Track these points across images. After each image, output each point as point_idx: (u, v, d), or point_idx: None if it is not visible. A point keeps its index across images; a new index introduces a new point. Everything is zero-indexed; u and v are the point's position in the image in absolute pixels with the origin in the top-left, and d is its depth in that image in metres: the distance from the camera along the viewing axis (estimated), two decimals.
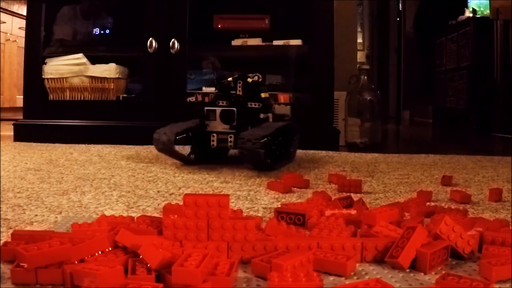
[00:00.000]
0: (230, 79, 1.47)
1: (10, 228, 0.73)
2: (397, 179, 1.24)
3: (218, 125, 1.41)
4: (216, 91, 1.49)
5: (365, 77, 2.22)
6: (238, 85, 1.46)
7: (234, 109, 1.40)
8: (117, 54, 2.16)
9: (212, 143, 1.42)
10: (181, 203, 0.83)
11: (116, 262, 0.51)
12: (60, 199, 0.94)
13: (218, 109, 1.41)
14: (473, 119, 3.72)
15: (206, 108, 1.42)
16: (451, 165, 1.53)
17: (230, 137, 1.40)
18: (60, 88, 2.14)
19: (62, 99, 2.15)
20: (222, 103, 1.47)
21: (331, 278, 0.53)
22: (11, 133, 2.14)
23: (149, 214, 0.83)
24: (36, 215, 0.82)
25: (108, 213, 0.82)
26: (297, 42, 2.10)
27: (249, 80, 1.47)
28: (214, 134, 1.41)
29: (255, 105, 1.45)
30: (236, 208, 0.85)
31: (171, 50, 2.04)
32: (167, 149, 1.38)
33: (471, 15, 3.96)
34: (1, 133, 2.38)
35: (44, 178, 1.17)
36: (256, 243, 0.58)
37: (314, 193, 0.94)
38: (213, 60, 2.23)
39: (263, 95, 1.46)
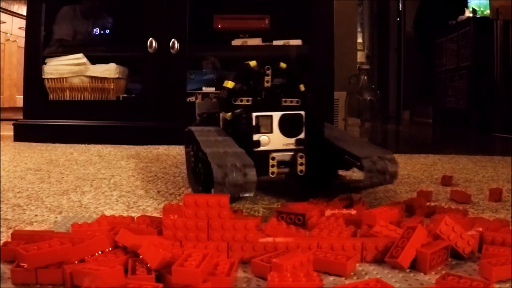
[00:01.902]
0: (252, 62, 1.00)
1: (10, 228, 0.73)
2: (397, 179, 1.24)
3: (276, 140, 0.90)
4: (232, 82, 0.97)
5: (365, 77, 2.22)
6: (267, 71, 0.98)
7: (302, 112, 0.91)
8: (117, 54, 2.16)
9: (271, 169, 0.89)
10: (181, 203, 0.83)
11: (116, 262, 0.51)
12: (60, 199, 0.94)
13: (277, 115, 0.90)
14: (473, 119, 3.72)
15: (255, 114, 0.89)
16: (451, 165, 1.53)
17: (301, 157, 0.89)
18: (60, 88, 2.14)
19: (62, 99, 2.15)
20: (246, 101, 0.96)
21: (331, 278, 0.53)
22: (11, 133, 2.14)
23: (149, 214, 0.83)
24: (36, 215, 0.82)
25: (108, 213, 0.82)
26: (297, 42, 2.10)
27: (283, 65, 1.00)
28: (274, 155, 0.88)
29: (291, 102, 0.97)
30: (237, 208, 0.85)
31: (171, 50, 2.04)
32: (245, 191, 0.79)
33: (471, 15, 3.96)
34: (1, 133, 2.38)
35: (44, 178, 1.17)
36: (257, 243, 0.58)
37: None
38: (213, 60, 2.23)
39: (302, 87, 1.01)
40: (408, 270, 0.55)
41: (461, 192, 0.97)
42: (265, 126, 0.90)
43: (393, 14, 6.05)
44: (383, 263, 0.57)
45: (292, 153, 0.90)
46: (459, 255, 0.59)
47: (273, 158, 0.88)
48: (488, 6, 3.88)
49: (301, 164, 0.89)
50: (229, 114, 0.95)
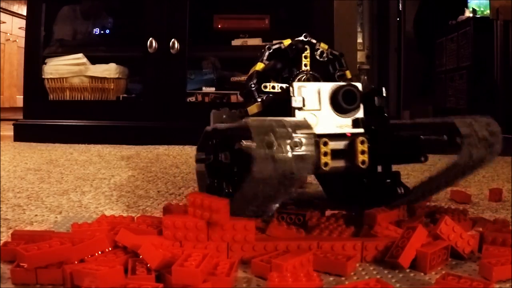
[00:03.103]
0: (286, 41, 0.80)
1: (10, 228, 0.73)
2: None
3: (326, 120, 0.66)
4: (262, 63, 0.78)
5: (365, 77, 2.22)
6: (305, 53, 0.79)
7: (358, 84, 0.68)
8: (117, 54, 2.16)
9: (323, 159, 0.61)
10: (181, 203, 0.83)
11: (116, 262, 0.51)
12: (60, 199, 0.94)
13: (326, 87, 0.67)
14: None
15: (297, 84, 0.66)
16: None
17: (362, 142, 0.63)
18: (60, 88, 2.14)
19: (62, 99, 2.15)
20: (280, 89, 0.77)
21: (331, 278, 0.53)
22: (11, 133, 2.14)
23: (149, 214, 0.83)
24: (36, 215, 0.82)
25: (108, 213, 0.82)
26: None
27: (324, 46, 0.81)
28: (325, 140, 0.61)
29: None
30: None
31: (171, 50, 2.04)
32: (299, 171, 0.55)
33: (471, 15, 3.96)
34: (1, 133, 2.38)
35: (44, 178, 1.17)
36: (256, 243, 0.58)
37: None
38: (213, 60, 2.23)
39: (348, 74, 0.81)
40: (408, 270, 0.55)
41: (461, 192, 0.97)
42: (311, 101, 0.65)
43: (393, 14, 6.04)
44: (383, 263, 0.57)
45: (347, 140, 0.65)
46: (459, 255, 0.59)
47: (325, 144, 0.60)
48: (488, 6, 3.88)
49: (363, 152, 0.63)
50: (258, 105, 0.74)
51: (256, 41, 2.16)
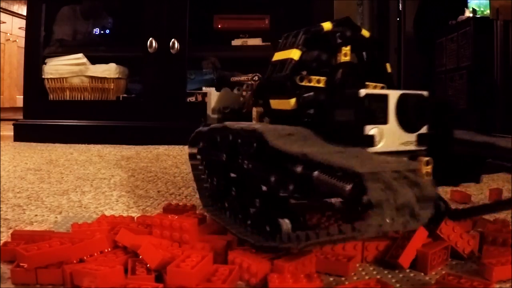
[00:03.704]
0: (326, 24, 0.64)
1: (10, 228, 0.73)
2: None
3: (391, 136, 0.55)
4: (299, 50, 0.63)
5: None
6: (339, 40, 0.65)
7: (425, 93, 0.58)
8: (117, 54, 2.16)
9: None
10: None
11: (116, 262, 0.51)
12: (60, 199, 0.94)
13: (394, 94, 0.55)
14: (473, 119, 3.72)
15: (365, 91, 0.53)
16: None
17: (428, 163, 0.56)
18: (60, 88, 2.14)
19: (62, 99, 2.14)
20: (317, 81, 0.64)
21: (331, 278, 0.53)
22: (11, 133, 2.14)
23: (149, 214, 0.83)
24: (36, 215, 0.82)
25: (108, 213, 0.82)
26: None
27: (365, 33, 0.67)
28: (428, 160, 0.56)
29: (375, 87, 0.67)
30: None
31: (171, 50, 2.04)
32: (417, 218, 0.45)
33: (471, 15, 3.96)
34: (1, 133, 2.38)
35: (44, 178, 1.17)
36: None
37: None
38: (213, 60, 2.23)
39: (388, 67, 0.69)
40: (408, 270, 0.55)
41: (461, 192, 0.97)
42: (378, 113, 0.54)
43: (393, 14, 6.05)
44: (383, 263, 0.57)
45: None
46: (459, 255, 0.59)
47: (427, 163, 0.55)
48: (488, 6, 3.88)
49: (427, 174, 0.55)
50: (293, 100, 0.61)
51: (256, 41, 2.16)
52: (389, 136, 0.55)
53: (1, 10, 4.23)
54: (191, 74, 2.18)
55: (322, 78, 0.63)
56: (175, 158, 1.58)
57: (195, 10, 2.10)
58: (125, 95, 2.17)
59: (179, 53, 2.04)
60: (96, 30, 2.30)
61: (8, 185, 1.07)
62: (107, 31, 2.31)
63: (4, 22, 4.28)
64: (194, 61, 2.18)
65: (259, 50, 2.15)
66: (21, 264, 0.50)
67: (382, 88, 0.66)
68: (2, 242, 0.60)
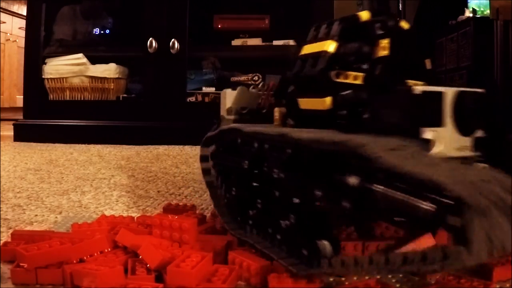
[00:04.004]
0: (364, 14, 0.58)
1: (10, 228, 0.73)
2: None
3: (447, 140, 0.47)
4: (335, 42, 0.55)
5: None
6: (379, 31, 0.56)
7: (482, 90, 0.53)
8: (117, 54, 2.16)
9: None
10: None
11: (116, 262, 0.51)
12: (60, 199, 0.94)
13: (450, 92, 0.48)
14: None
15: (421, 88, 0.46)
16: None
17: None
18: (60, 88, 2.14)
19: (62, 99, 2.14)
20: (354, 78, 0.55)
21: (331, 278, 0.53)
22: (11, 133, 2.14)
23: (149, 214, 0.83)
24: (36, 215, 0.82)
25: (108, 213, 0.82)
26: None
27: (405, 25, 0.59)
28: None
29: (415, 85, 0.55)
30: None
31: (171, 50, 2.04)
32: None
33: (471, 15, 3.96)
34: (1, 133, 2.38)
35: (44, 178, 1.17)
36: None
37: None
38: (213, 60, 2.23)
39: (428, 63, 0.61)
40: None
41: None
42: (434, 114, 0.47)
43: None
44: None
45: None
46: None
47: None
48: (488, 6, 3.88)
49: None
50: (329, 99, 0.53)
51: (256, 41, 2.16)
52: (445, 140, 0.47)
53: (1, 10, 4.23)
54: (191, 74, 2.18)
55: (360, 74, 0.54)
56: (175, 158, 1.58)
57: (195, 10, 2.10)
58: (125, 95, 2.17)
59: (179, 53, 2.04)
60: (96, 30, 2.30)
61: (8, 185, 1.07)
62: (107, 31, 2.31)
63: (4, 22, 4.28)
64: (194, 61, 2.18)
65: (259, 50, 2.15)
66: (21, 264, 0.50)
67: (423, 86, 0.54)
68: (2, 242, 0.60)
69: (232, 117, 0.75)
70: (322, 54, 0.55)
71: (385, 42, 0.56)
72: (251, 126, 0.61)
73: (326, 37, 0.56)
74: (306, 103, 0.57)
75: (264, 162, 0.56)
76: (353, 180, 0.43)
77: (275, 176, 0.54)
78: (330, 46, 0.55)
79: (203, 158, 0.75)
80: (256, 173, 0.59)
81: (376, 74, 0.55)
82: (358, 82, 0.54)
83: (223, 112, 0.76)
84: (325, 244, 0.48)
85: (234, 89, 0.77)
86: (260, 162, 0.57)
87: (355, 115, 0.52)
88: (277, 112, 0.63)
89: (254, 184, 0.60)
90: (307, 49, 0.59)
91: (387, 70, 0.55)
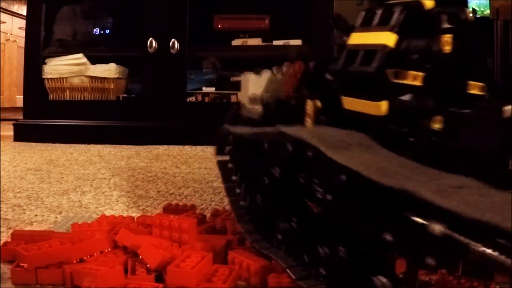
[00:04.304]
0: (428, 1, 0.46)
1: (10, 228, 0.73)
2: None
3: None
4: (395, 34, 0.45)
5: None
6: (446, 24, 0.44)
7: None
8: (117, 54, 2.16)
9: None
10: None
11: (116, 262, 0.51)
12: (60, 199, 0.94)
13: None
14: None
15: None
16: None
17: None
18: (60, 88, 2.14)
19: (62, 99, 2.14)
20: (413, 78, 0.44)
21: None
22: (11, 133, 2.14)
23: (149, 214, 0.83)
24: (36, 215, 0.82)
25: (108, 213, 0.82)
26: (297, 42, 2.10)
27: (469, 16, 0.48)
28: None
29: (473, 88, 0.46)
30: None
31: (171, 50, 2.04)
32: None
33: (471, 15, 3.96)
34: (1, 133, 2.38)
35: (44, 178, 1.17)
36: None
37: None
38: (213, 60, 2.23)
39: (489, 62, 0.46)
40: None
41: None
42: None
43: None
44: None
45: None
46: None
47: None
48: (488, 6, 3.88)
49: None
50: (384, 104, 0.44)
51: (256, 41, 2.15)
52: None
53: (1, 10, 4.23)
54: (191, 74, 2.18)
55: (419, 74, 0.44)
56: (175, 158, 1.58)
57: (195, 10, 2.10)
58: (125, 95, 2.17)
59: (179, 53, 2.04)
60: (96, 30, 2.30)
61: (8, 185, 1.07)
62: (107, 31, 2.31)
63: (4, 22, 4.28)
64: (194, 61, 2.18)
65: (259, 50, 2.15)
66: (21, 264, 0.50)
67: (483, 88, 0.46)
68: (2, 242, 0.60)
69: (255, 107, 0.64)
70: (379, 48, 0.45)
71: (447, 37, 0.45)
72: (284, 126, 0.50)
73: (384, 26, 0.46)
74: (352, 104, 0.48)
75: (301, 172, 0.47)
76: (437, 228, 0.33)
77: (319, 196, 0.44)
78: (390, 39, 0.45)
79: (219, 150, 0.66)
80: (289, 182, 0.49)
81: (440, 75, 0.44)
82: (417, 83, 0.44)
83: (243, 100, 0.66)
84: (384, 282, 0.39)
85: (258, 73, 0.67)
86: (296, 170, 0.47)
87: (417, 130, 0.42)
88: (310, 106, 0.53)
89: (286, 193, 0.51)
90: (358, 38, 0.49)
91: (452, 70, 0.45)
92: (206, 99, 2.09)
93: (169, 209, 0.79)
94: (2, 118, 3.03)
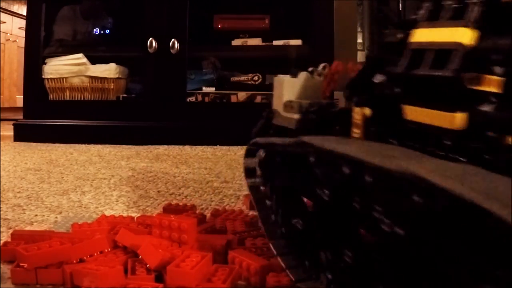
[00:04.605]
0: None
1: (10, 228, 0.73)
2: None
3: None
4: (474, 29, 0.36)
5: None
6: None
7: None
8: (117, 54, 2.16)
9: None
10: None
11: (116, 262, 0.51)
12: (60, 199, 0.94)
13: None
14: None
15: None
16: None
17: None
18: (60, 88, 2.14)
19: (62, 99, 2.14)
20: (489, 82, 0.35)
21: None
22: (11, 133, 2.14)
23: (149, 214, 0.83)
24: (36, 215, 0.82)
25: (108, 213, 0.82)
26: (297, 42, 2.10)
27: None
28: None
29: None
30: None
31: (171, 50, 2.04)
32: None
33: None
34: (1, 133, 2.38)
35: (44, 178, 1.17)
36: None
37: None
38: (213, 60, 2.23)
39: None
40: None
41: None
42: None
43: (393, 14, 6.05)
44: None
45: None
46: None
47: None
48: None
49: None
50: (461, 116, 0.36)
51: (256, 41, 2.16)
52: None
53: (1, 10, 4.23)
54: (191, 74, 2.18)
55: (496, 79, 0.35)
56: (175, 158, 1.58)
57: (195, 10, 2.11)
58: (125, 95, 2.17)
59: (179, 53, 2.04)
60: (96, 30, 2.30)
61: (8, 185, 1.07)
62: (107, 31, 2.31)
63: (4, 22, 4.28)
64: (194, 61, 2.18)
65: (259, 50, 2.15)
66: (21, 264, 0.50)
67: None
68: (2, 242, 0.60)
69: (292, 115, 0.54)
70: (455, 47, 0.38)
71: None
72: (332, 141, 0.41)
73: (458, 20, 0.39)
74: (418, 114, 0.40)
75: (357, 196, 0.39)
76: None
77: (385, 228, 0.36)
78: (468, 36, 0.38)
79: (249, 172, 0.56)
80: (340, 207, 0.41)
81: None
82: (493, 89, 0.36)
83: (276, 106, 0.57)
84: None
85: (293, 75, 0.59)
86: (350, 193, 0.40)
87: (494, 146, 0.34)
88: (358, 114, 0.45)
89: (336, 221, 0.42)
90: (424, 35, 0.41)
91: None
92: (206, 99, 2.09)
93: (169, 209, 0.79)
94: (2, 118, 3.03)
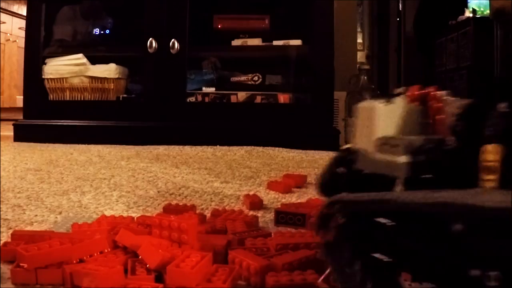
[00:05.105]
0: None
1: (10, 228, 0.73)
2: None
3: None
4: None
5: (365, 77, 2.22)
6: None
7: None
8: (117, 54, 2.16)
9: None
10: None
11: (116, 262, 0.51)
12: (60, 199, 0.94)
13: None
14: None
15: None
16: None
17: None
18: (60, 88, 2.14)
19: (62, 99, 2.14)
20: None
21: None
22: (11, 133, 2.14)
23: (149, 214, 0.83)
24: (36, 215, 0.82)
25: (108, 213, 0.82)
26: (297, 42, 2.10)
27: None
28: None
29: None
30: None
31: (171, 50, 2.04)
32: None
33: (471, 15, 3.96)
34: (1, 133, 2.38)
35: (44, 178, 1.17)
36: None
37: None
38: (214, 60, 2.23)
39: None
40: None
41: None
42: None
43: (393, 14, 6.04)
44: None
45: None
46: None
47: None
48: (488, 6, 3.88)
49: None
50: None
51: (256, 41, 2.16)
52: None
53: (1, 10, 4.23)
54: (191, 74, 2.18)
55: None
56: (175, 158, 1.58)
57: (195, 10, 2.11)
58: (125, 95, 2.17)
59: (179, 53, 2.04)
60: (96, 30, 2.30)
61: (8, 185, 1.07)
62: (107, 31, 2.31)
63: (4, 22, 4.28)
64: (194, 61, 2.18)
65: (259, 50, 2.15)
66: (21, 264, 0.50)
67: None
68: (2, 242, 0.60)
69: (394, 157, 0.39)
70: None
71: None
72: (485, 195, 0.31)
73: None
74: None
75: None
76: None
77: None
78: None
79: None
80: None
81: None
82: None
83: (363, 144, 0.43)
84: None
85: (388, 102, 0.42)
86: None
87: None
88: (491, 153, 0.34)
89: None
90: None
91: None
92: (206, 99, 2.09)
93: (169, 209, 0.79)
94: (2, 118, 3.03)
